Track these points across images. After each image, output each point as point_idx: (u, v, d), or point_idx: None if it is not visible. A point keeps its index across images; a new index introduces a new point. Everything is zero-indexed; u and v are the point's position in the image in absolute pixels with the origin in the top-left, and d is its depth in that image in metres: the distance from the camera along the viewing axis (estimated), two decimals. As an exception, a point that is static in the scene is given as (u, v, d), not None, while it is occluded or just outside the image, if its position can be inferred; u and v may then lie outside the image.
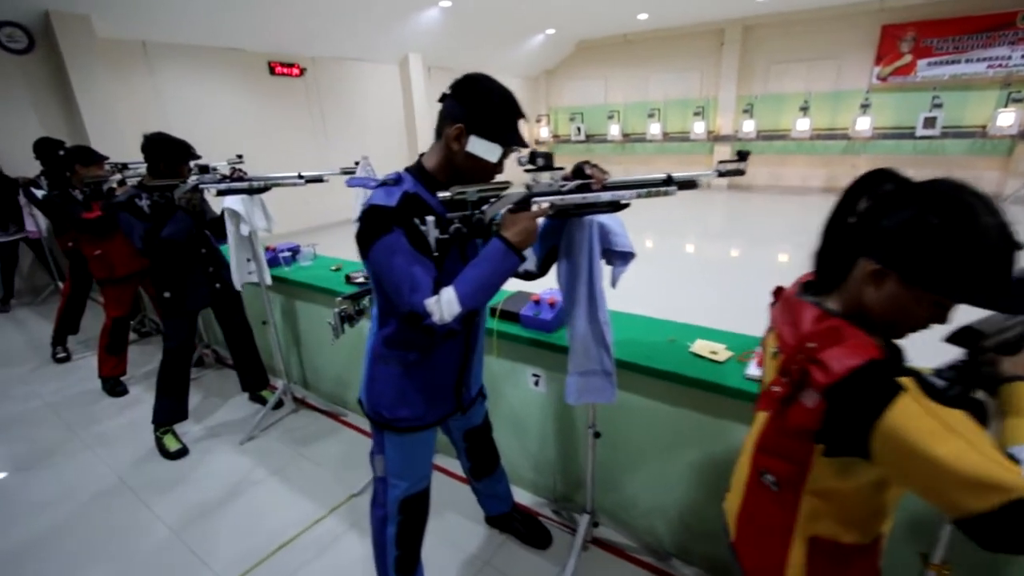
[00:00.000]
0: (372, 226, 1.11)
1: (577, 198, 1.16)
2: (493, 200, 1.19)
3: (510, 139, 1.16)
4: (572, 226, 1.32)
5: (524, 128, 1.20)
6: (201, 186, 2.26)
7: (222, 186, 2.23)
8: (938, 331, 0.78)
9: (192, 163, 2.40)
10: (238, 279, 2.51)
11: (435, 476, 1.57)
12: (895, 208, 0.74)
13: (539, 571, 1.83)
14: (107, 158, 3.26)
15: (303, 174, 2.23)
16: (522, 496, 2.15)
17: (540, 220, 1.17)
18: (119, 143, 5.12)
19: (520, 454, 2.16)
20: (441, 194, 1.12)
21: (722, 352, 1.58)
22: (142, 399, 3.11)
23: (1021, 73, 7.53)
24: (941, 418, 0.65)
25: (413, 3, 7.04)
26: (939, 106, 7.89)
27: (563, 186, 1.17)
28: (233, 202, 2.35)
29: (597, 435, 1.69)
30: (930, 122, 7.96)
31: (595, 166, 1.19)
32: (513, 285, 1.49)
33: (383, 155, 6.92)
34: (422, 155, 1.25)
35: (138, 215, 2.29)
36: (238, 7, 5.81)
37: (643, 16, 8.95)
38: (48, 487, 2.41)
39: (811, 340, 0.76)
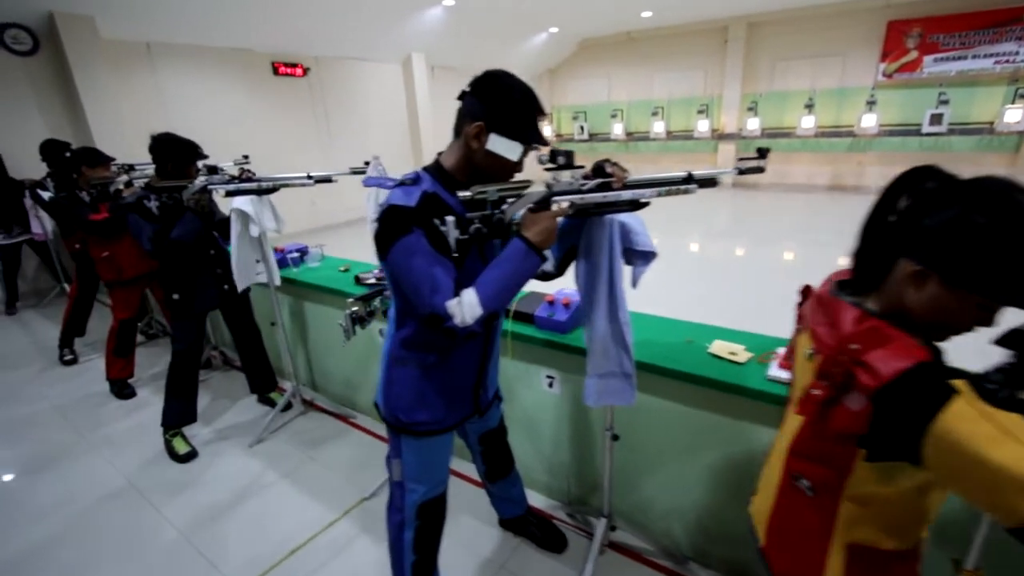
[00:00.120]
0: (392, 227, 1.09)
1: (598, 197, 1.15)
2: (512, 200, 1.17)
3: (531, 137, 1.14)
4: (592, 225, 1.29)
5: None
6: (210, 187, 2.25)
7: (231, 187, 2.22)
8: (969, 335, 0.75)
9: (200, 164, 2.38)
10: (240, 281, 2.46)
11: (449, 480, 1.54)
12: (938, 207, 0.72)
13: (555, 575, 1.81)
14: (113, 159, 3.26)
15: (312, 174, 2.21)
16: (536, 499, 2.13)
17: (559, 219, 1.15)
18: (124, 144, 5.13)
19: (534, 456, 2.14)
20: (461, 193, 1.10)
21: (741, 353, 1.56)
22: (150, 401, 3.09)
23: (1029, 69, 7.48)
24: (997, 421, 0.62)
25: (416, 2, 7.01)
26: (946, 103, 7.82)
27: (583, 185, 1.15)
28: (242, 203, 2.33)
29: (615, 438, 1.67)
30: (936, 119, 7.88)
31: (616, 164, 1.17)
32: (529, 285, 1.47)
33: (386, 155, 6.82)
34: (440, 154, 1.22)
35: (147, 216, 2.27)
36: (242, 8, 5.80)
37: (647, 14, 8.91)
38: (56, 489, 2.39)
39: (853, 341, 0.74)
